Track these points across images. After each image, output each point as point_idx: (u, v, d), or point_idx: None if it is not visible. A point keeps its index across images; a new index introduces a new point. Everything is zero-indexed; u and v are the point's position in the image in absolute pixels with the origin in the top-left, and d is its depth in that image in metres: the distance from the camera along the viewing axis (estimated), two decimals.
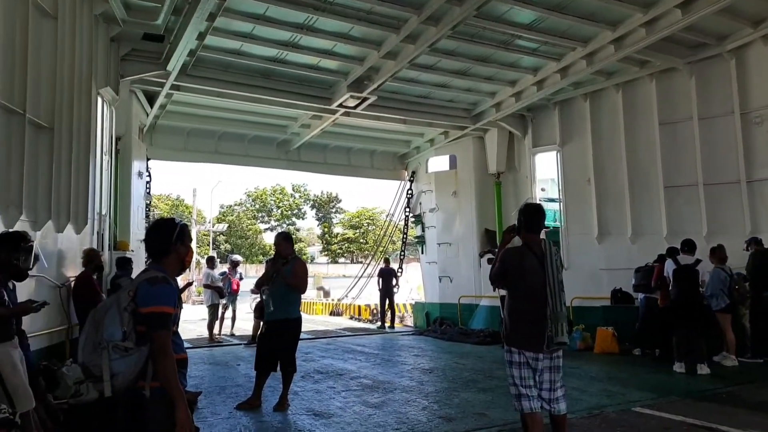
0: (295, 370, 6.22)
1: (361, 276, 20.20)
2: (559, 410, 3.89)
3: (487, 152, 14.00)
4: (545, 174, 13.56)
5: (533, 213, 4.10)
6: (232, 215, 55.34)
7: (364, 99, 11.04)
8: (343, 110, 11.68)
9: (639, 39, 9.00)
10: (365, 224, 55.30)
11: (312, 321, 18.28)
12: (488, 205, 13.95)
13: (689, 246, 7.77)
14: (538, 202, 11.76)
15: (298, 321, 6.27)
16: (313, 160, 15.28)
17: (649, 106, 10.93)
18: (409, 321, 16.50)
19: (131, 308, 2.54)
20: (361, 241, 54.41)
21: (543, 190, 13.82)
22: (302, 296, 6.42)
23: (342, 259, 57.30)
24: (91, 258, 6.76)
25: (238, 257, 13.85)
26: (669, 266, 7.81)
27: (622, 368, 8.18)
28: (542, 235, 4.17)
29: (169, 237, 2.76)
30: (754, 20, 9.18)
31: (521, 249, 4.02)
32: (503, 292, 11.13)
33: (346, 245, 56.41)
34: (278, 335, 6.09)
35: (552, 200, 13.29)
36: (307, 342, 12.24)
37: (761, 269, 8.29)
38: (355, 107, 11.46)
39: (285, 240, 6.51)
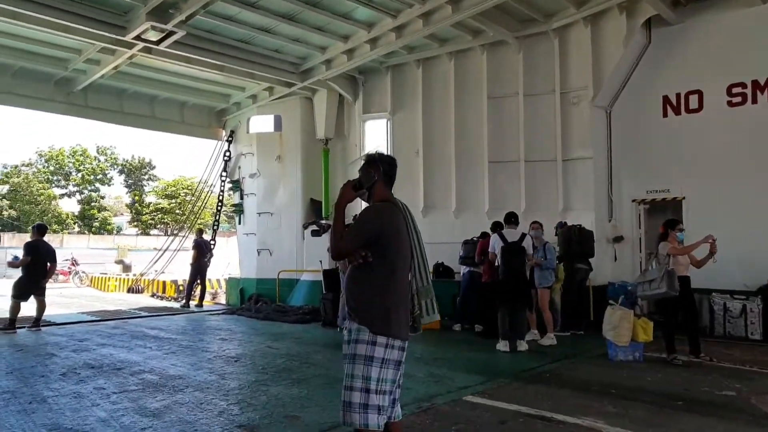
0: None
1: (167, 248, 17.76)
2: (397, 415, 2.92)
3: (316, 115, 12.88)
4: (374, 143, 12.89)
5: (393, 164, 3.07)
6: (18, 176, 46.66)
7: (170, 33, 9.09)
8: (142, 44, 9.56)
9: (475, 2, 8.58)
10: (182, 194, 50.71)
11: (102, 299, 15.57)
12: (315, 173, 12.91)
13: (515, 218, 7.54)
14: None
15: None
16: (104, 107, 12.62)
17: (479, 79, 10.76)
18: (223, 298, 14.83)
19: None
20: (177, 212, 49.86)
21: None
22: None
23: (155, 231, 52.05)
24: None
25: None
26: (495, 241, 7.49)
27: (445, 347, 7.76)
28: None
29: None
30: (579, 0, 9.31)
31: (393, 208, 2.96)
32: (327, 265, 10.11)
33: (160, 216, 51.30)
34: None
35: None
36: (87, 326, 10.06)
37: (576, 243, 8.48)
38: (158, 42, 9.42)
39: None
